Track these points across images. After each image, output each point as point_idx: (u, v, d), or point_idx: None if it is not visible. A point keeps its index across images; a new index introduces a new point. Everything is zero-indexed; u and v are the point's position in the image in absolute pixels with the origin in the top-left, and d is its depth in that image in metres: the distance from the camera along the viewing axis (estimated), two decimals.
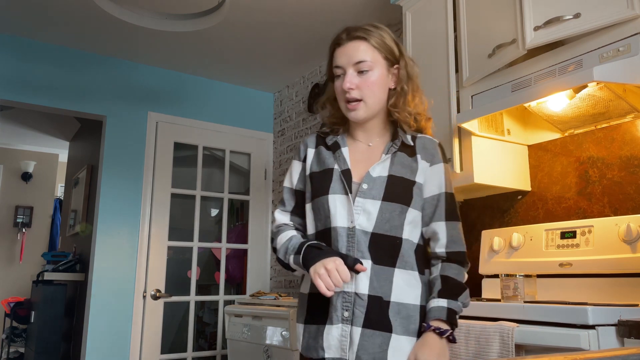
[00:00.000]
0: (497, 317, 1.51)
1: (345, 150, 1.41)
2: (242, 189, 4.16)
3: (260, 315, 2.68)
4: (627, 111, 1.81)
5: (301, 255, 1.32)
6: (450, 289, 1.30)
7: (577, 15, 1.63)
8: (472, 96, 2.07)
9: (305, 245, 1.33)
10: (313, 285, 1.32)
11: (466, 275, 1.37)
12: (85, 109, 3.45)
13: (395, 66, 1.40)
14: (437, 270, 1.35)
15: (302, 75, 3.84)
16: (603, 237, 1.79)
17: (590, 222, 1.86)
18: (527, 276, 1.66)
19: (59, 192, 6.61)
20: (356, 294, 1.29)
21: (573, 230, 1.90)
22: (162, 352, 3.46)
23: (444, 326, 1.26)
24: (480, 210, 2.39)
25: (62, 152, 6.27)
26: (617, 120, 1.88)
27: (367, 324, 1.27)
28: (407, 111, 1.41)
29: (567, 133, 2.07)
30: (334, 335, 1.29)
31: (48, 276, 4.00)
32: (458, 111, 2.11)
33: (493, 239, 2.16)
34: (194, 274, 3.65)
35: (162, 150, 3.63)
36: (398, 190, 1.33)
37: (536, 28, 1.73)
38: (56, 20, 3.08)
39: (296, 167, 1.48)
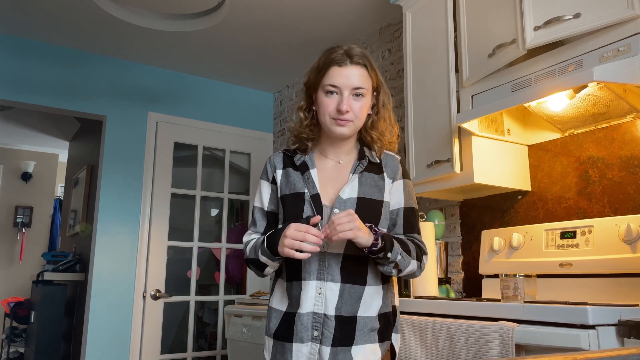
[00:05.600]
0: (497, 317, 1.51)
1: (313, 172, 1.47)
2: (242, 189, 4.16)
3: (260, 315, 2.68)
4: (627, 111, 1.81)
5: (265, 244, 1.39)
6: (407, 247, 1.39)
7: (577, 15, 1.63)
8: (472, 96, 2.07)
9: (266, 236, 1.41)
10: (289, 305, 1.41)
11: (416, 267, 1.43)
12: (85, 109, 3.45)
13: (375, 93, 1.49)
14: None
15: (302, 75, 3.83)
16: (603, 237, 1.79)
17: (590, 222, 1.86)
18: (527, 276, 1.66)
19: (59, 192, 6.61)
20: (325, 315, 1.36)
21: (573, 230, 1.90)
22: (162, 352, 3.46)
23: (379, 241, 1.32)
24: (480, 210, 2.39)
25: (62, 152, 6.27)
26: (617, 120, 1.88)
27: (335, 343, 1.35)
28: (380, 135, 1.49)
29: (567, 133, 2.07)
30: (304, 353, 1.36)
31: (48, 276, 4.00)
32: (458, 111, 2.11)
33: (493, 239, 2.16)
34: (194, 274, 3.65)
35: (162, 150, 3.63)
36: (367, 212, 1.41)
37: (536, 28, 1.73)
38: (56, 20, 3.08)
39: (266, 187, 1.53)
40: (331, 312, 1.36)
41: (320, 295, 1.37)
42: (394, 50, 3.02)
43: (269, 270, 1.45)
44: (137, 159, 3.55)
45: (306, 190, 1.43)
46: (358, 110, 1.42)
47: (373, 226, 1.34)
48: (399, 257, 1.37)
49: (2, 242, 6.01)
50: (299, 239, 1.29)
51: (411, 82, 2.37)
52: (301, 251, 1.30)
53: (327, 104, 1.42)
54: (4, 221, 6.04)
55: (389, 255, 1.34)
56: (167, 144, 3.67)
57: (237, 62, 3.64)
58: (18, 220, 6.06)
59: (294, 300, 1.40)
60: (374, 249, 1.32)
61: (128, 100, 3.58)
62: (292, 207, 1.44)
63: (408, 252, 1.40)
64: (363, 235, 1.29)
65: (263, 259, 1.41)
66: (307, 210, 1.41)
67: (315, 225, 1.34)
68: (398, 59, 2.97)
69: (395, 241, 1.37)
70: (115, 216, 3.42)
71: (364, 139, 1.51)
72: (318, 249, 1.31)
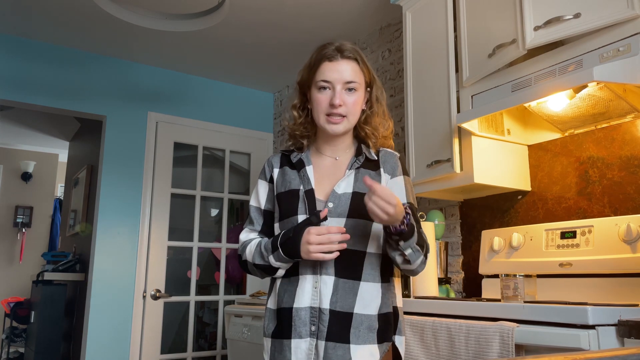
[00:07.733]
0: (497, 317, 1.51)
1: (309, 169, 1.47)
2: (242, 189, 4.16)
3: (260, 315, 2.68)
4: (627, 111, 1.81)
5: (280, 251, 1.36)
6: (422, 242, 1.36)
7: (577, 15, 1.63)
8: (472, 96, 2.07)
9: (277, 242, 1.38)
10: (279, 301, 1.41)
11: (420, 262, 1.39)
12: (85, 109, 3.45)
13: (368, 89, 1.49)
14: None
15: None
16: (603, 237, 1.79)
17: (590, 222, 1.86)
18: (527, 276, 1.66)
19: (59, 192, 6.61)
20: (320, 309, 1.35)
21: (573, 230, 1.90)
22: (162, 352, 3.46)
23: (403, 222, 1.29)
24: (480, 210, 2.39)
25: (62, 152, 6.27)
26: (617, 120, 1.88)
27: (329, 337, 1.34)
28: (374, 129, 1.49)
29: (567, 133, 2.07)
30: (303, 349, 1.35)
31: (48, 276, 4.00)
32: (458, 111, 2.11)
33: (493, 239, 2.16)
34: (194, 274, 3.65)
35: (162, 150, 3.63)
36: (362, 206, 1.37)
37: (536, 28, 1.73)
38: (56, 20, 3.08)
39: (263, 186, 1.53)
40: (326, 305, 1.35)
41: (316, 290, 1.36)
42: (394, 50, 3.02)
43: (281, 272, 1.42)
44: (137, 159, 3.55)
45: (301, 187, 1.44)
46: (351, 104, 1.42)
47: (408, 214, 1.30)
48: (409, 250, 1.34)
49: (2, 242, 6.01)
50: (325, 242, 1.30)
51: (411, 82, 2.37)
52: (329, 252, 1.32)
53: (321, 100, 1.42)
54: (4, 221, 6.03)
55: (401, 244, 1.32)
56: (167, 144, 3.67)
57: (237, 62, 3.64)
58: (18, 220, 6.06)
59: (291, 295, 1.39)
60: (392, 231, 1.30)
61: (128, 100, 3.58)
62: (286, 204, 1.44)
63: (422, 247, 1.37)
64: (392, 221, 1.27)
65: (277, 264, 1.39)
66: (301, 206, 1.41)
67: (324, 218, 1.35)
68: (398, 59, 2.97)
69: (414, 234, 1.33)
70: (115, 216, 3.42)
71: (358, 134, 1.51)
72: (346, 246, 1.32)
